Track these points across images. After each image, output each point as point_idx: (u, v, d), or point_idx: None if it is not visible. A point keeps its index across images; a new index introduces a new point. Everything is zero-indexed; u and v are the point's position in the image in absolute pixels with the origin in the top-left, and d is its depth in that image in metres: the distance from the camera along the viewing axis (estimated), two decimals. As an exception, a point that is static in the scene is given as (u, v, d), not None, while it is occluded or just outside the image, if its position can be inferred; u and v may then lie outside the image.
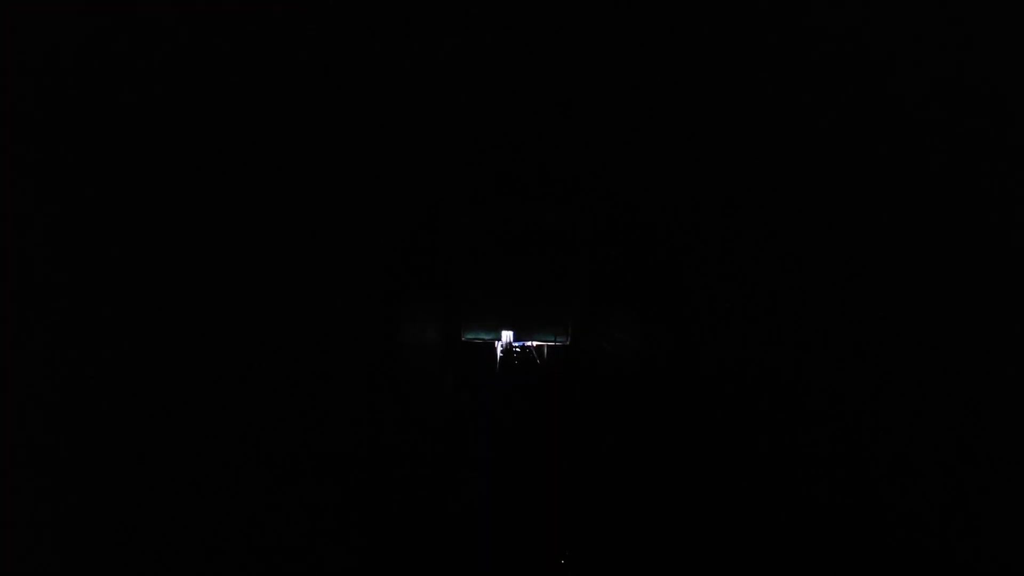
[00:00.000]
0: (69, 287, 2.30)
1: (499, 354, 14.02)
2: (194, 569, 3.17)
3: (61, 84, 2.11)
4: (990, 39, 2.24)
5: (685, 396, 7.36)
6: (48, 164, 2.12)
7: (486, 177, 8.48)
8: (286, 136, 3.95)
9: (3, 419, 1.98)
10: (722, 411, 6.09)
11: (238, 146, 3.49)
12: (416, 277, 9.40)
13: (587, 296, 12.67)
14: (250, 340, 3.90)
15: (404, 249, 8.63)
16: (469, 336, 13.63)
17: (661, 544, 5.99)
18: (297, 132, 4.05)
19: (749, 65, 3.64)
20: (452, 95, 4.56)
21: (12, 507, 2.02)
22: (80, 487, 2.36)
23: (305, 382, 4.96)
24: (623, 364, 10.52)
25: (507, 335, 13.67)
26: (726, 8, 3.23)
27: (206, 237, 3.31)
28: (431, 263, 10.33)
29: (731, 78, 3.83)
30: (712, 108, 4.28)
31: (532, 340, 13.77)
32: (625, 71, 4.08)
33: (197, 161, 3.15)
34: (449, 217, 10.56)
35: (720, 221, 5.70)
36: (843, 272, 3.78)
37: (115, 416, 2.59)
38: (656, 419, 8.40)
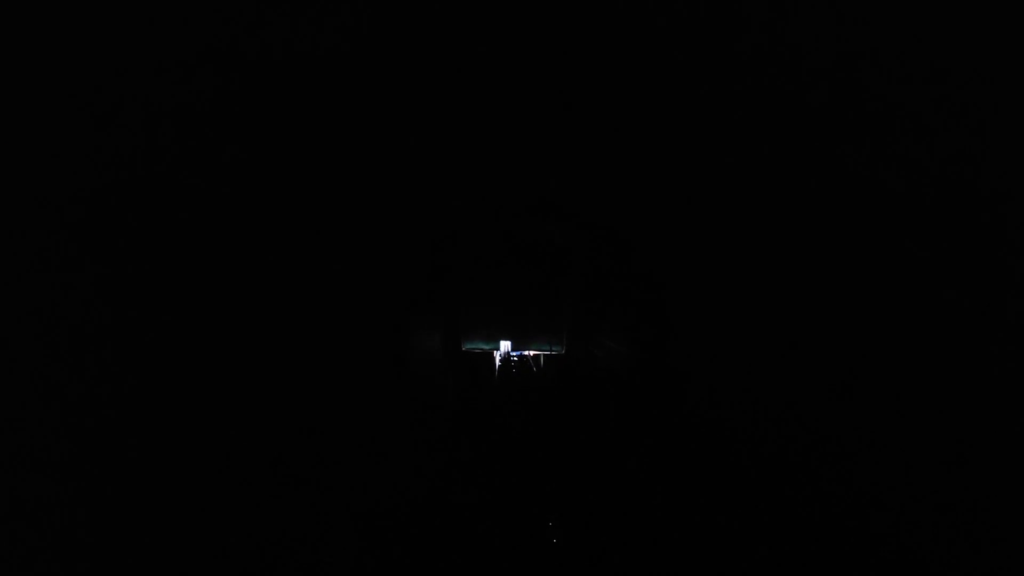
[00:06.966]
0: (68, 288, 2.22)
1: (498, 363, 14.76)
2: (196, 570, 3.08)
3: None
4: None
5: (672, 400, 7.43)
6: (45, 165, 2.07)
7: (487, 196, 8.51)
8: (290, 144, 3.87)
9: (3, 419, 1.92)
10: (711, 414, 6.02)
11: (242, 153, 3.41)
12: (420, 291, 9.78)
13: (580, 307, 13.43)
14: (255, 348, 3.87)
15: (410, 266, 8.85)
16: (469, 346, 14.40)
17: (652, 546, 5.93)
18: (299, 140, 3.96)
19: (731, 80, 3.56)
20: (451, 109, 4.41)
21: (12, 508, 1.93)
22: (80, 488, 2.28)
23: (310, 390, 4.85)
24: (614, 369, 11.09)
25: (505, 345, 14.48)
26: (714, 22, 3.10)
27: (211, 246, 3.28)
28: (434, 278, 10.77)
29: (713, 94, 3.78)
30: (700, 120, 4.21)
31: (529, 349, 14.58)
32: (620, 90, 3.99)
33: (204, 167, 3.06)
34: (452, 236, 11.20)
35: (709, 230, 5.60)
36: (835, 276, 3.63)
37: (120, 423, 2.53)
38: (645, 422, 8.66)
